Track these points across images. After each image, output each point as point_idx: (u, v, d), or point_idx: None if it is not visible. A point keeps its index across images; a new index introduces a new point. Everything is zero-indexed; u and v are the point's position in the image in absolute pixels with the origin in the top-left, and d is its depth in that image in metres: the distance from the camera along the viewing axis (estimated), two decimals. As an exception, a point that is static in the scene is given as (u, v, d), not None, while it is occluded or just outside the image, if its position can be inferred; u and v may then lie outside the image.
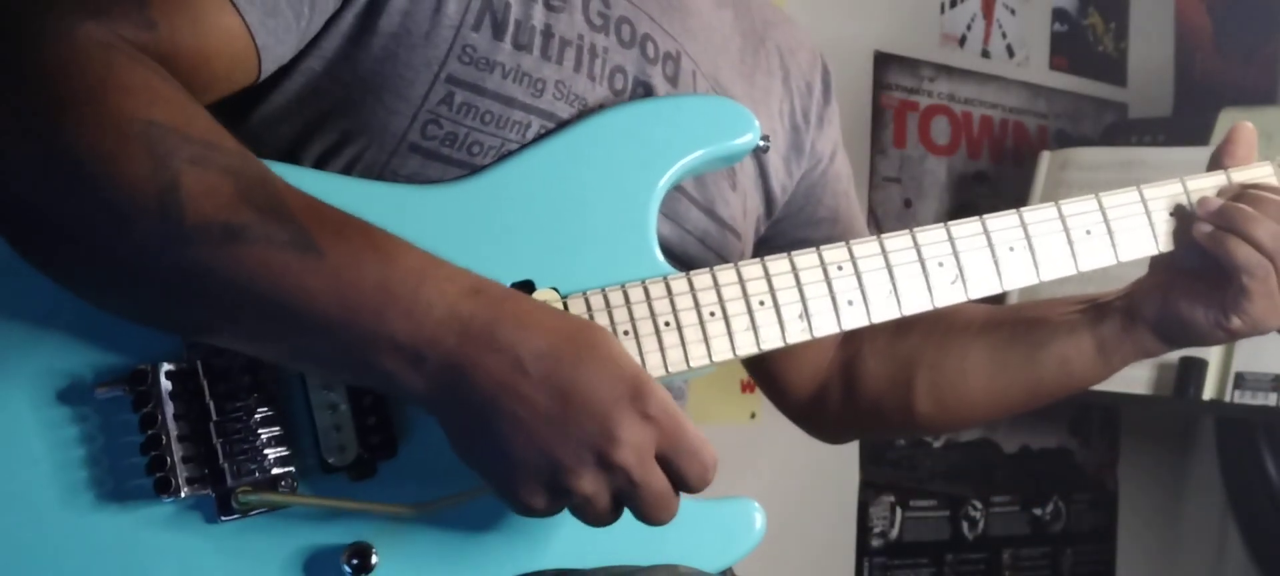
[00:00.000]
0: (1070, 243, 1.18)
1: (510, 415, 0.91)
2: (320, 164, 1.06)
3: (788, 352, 1.36)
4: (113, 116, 0.88)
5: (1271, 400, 2.24)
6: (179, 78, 0.93)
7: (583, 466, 0.92)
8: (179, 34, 0.95)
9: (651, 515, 0.95)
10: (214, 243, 0.88)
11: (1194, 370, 2.29)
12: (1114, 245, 1.19)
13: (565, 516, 0.96)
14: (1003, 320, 1.31)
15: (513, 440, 0.91)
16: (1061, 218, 1.18)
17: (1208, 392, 2.29)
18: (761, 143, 1.14)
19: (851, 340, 1.37)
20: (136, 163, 0.87)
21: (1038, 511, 2.91)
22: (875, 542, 2.66)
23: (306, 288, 0.89)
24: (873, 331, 1.34)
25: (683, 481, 0.95)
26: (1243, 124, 1.24)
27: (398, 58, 1.06)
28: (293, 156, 1.06)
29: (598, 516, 0.95)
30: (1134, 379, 2.30)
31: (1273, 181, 1.23)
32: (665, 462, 0.94)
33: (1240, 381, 2.26)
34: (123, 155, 0.87)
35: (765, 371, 1.41)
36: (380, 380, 0.93)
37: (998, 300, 1.24)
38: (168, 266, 0.88)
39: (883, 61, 2.67)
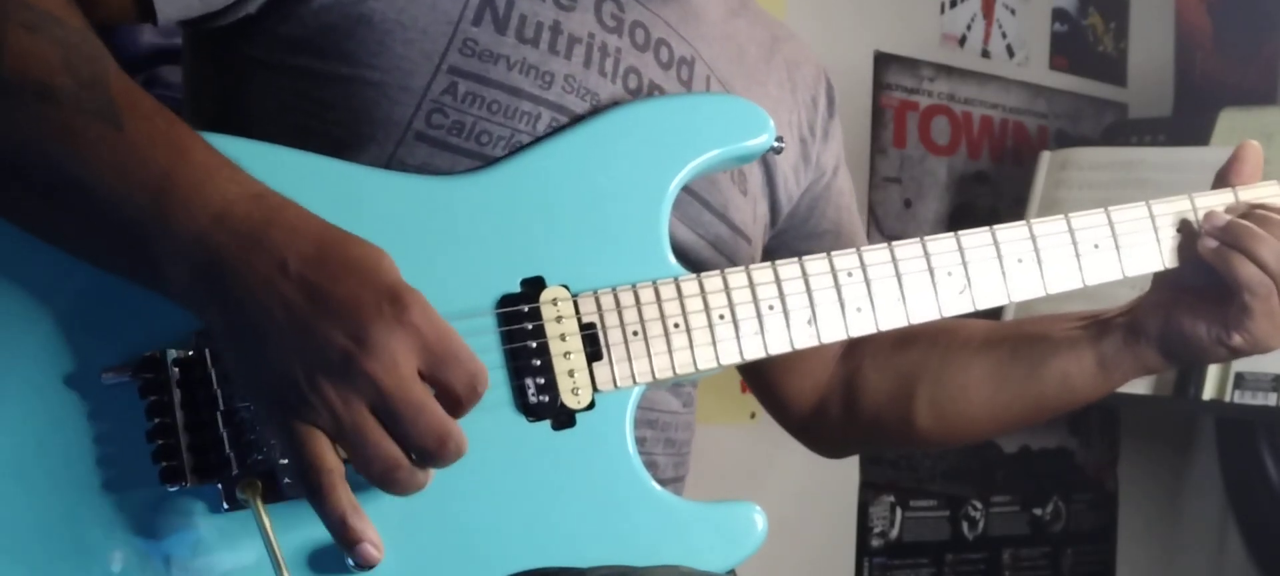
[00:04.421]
0: (1078, 256, 1.18)
1: (264, 315, 0.89)
2: (329, 154, 1.06)
3: (789, 367, 1.37)
4: None
5: (1271, 400, 2.24)
6: None
7: (327, 373, 0.88)
8: None
9: (415, 433, 0.89)
10: (26, 98, 0.92)
11: (1194, 370, 2.29)
12: (1121, 260, 1.20)
13: (569, 510, 0.95)
14: (1004, 336, 1.31)
15: (263, 342, 0.90)
16: (1070, 231, 1.18)
17: (1208, 392, 2.29)
18: (776, 143, 1.14)
19: (852, 355, 1.37)
20: None
21: (1038, 511, 2.92)
22: (875, 542, 2.66)
23: (99, 156, 0.92)
24: (874, 346, 1.35)
25: (450, 393, 0.91)
26: (1250, 143, 1.25)
27: (395, 50, 1.07)
28: (302, 147, 1.06)
29: (359, 441, 0.89)
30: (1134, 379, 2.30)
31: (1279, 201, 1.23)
32: (430, 376, 0.91)
33: (1240, 381, 2.27)
34: None
35: (765, 385, 1.41)
36: (151, 268, 0.93)
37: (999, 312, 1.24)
38: None
39: (883, 61, 2.67)
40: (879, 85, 2.66)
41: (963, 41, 2.80)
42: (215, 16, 1.08)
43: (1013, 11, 2.87)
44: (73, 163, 0.92)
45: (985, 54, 2.84)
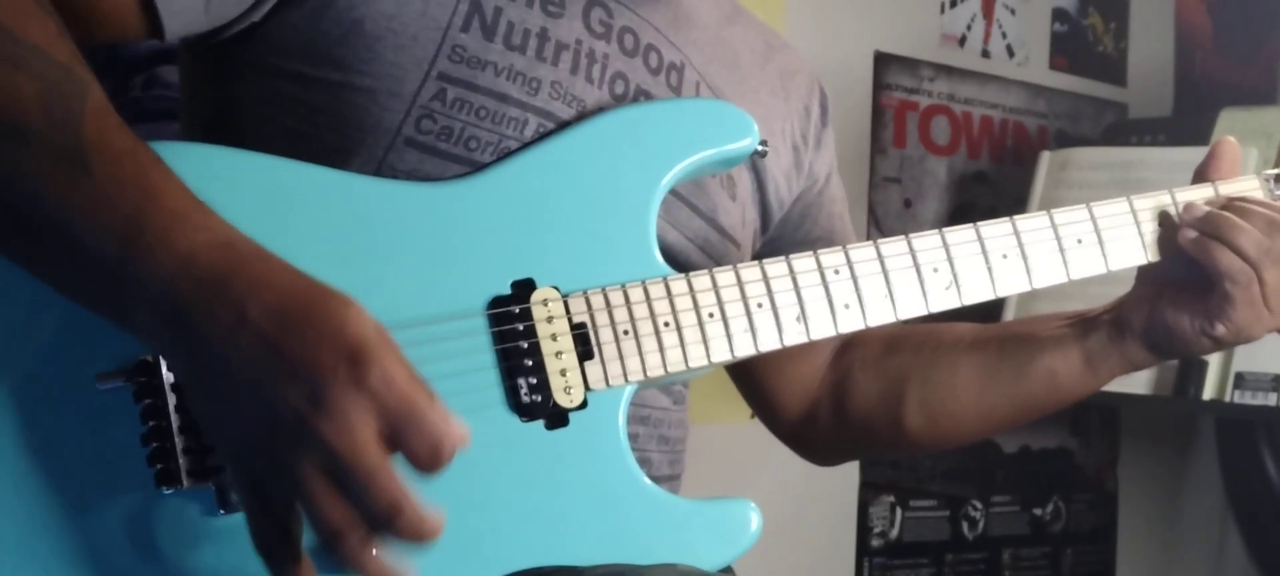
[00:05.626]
0: (1062, 251, 1.20)
1: (224, 366, 0.87)
2: (320, 160, 1.07)
3: (780, 372, 1.37)
4: None
5: (1271, 400, 2.24)
6: (65, 7, 0.96)
7: (281, 433, 0.85)
8: None
9: (367, 500, 0.85)
10: (1, 140, 0.90)
11: (1194, 370, 2.29)
12: (1104, 255, 1.21)
13: (564, 508, 0.96)
14: (992, 337, 1.32)
15: (223, 395, 0.88)
16: (1053, 227, 1.20)
17: (1208, 392, 2.29)
18: (760, 147, 1.15)
19: (842, 359, 1.38)
20: None
21: (1038, 511, 2.92)
22: (875, 542, 2.66)
23: (69, 201, 0.90)
24: (863, 350, 1.35)
25: (411, 459, 0.86)
26: (1227, 139, 1.27)
27: (385, 57, 1.07)
28: (294, 151, 1.06)
29: (308, 504, 0.86)
30: (1134, 379, 2.30)
31: (1259, 194, 1.25)
32: (390, 441, 0.86)
33: (1240, 381, 2.26)
34: None
35: (757, 390, 1.41)
36: (120, 313, 0.92)
37: (996, 307, 1.25)
38: None
39: (883, 61, 2.67)
40: (879, 85, 2.67)
41: (963, 41, 2.80)
42: (219, 30, 1.09)
43: (1013, 11, 2.88)
44: (43, 206, 0.90)
45: (985, 54, 2.84)
